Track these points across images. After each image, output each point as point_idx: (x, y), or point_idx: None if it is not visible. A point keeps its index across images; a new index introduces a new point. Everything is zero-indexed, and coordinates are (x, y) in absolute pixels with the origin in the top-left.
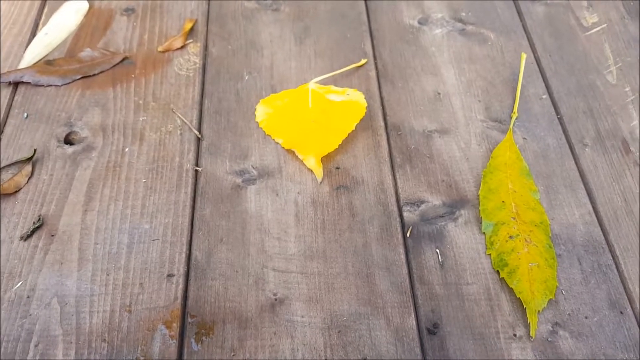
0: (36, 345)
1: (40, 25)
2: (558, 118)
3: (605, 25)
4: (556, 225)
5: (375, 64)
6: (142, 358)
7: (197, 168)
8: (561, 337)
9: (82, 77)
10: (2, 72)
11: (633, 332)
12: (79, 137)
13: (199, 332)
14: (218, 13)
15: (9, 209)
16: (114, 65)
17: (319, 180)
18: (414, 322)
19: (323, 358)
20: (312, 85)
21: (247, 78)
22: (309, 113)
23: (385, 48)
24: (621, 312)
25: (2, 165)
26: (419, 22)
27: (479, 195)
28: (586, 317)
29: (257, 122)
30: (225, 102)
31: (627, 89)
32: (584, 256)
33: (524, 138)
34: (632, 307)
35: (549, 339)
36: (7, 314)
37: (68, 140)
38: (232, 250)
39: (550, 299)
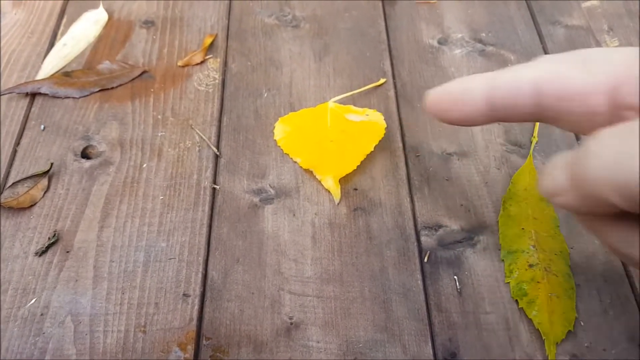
0: None
1: (58, 36)
2: (578, 143)
3: None
4: (575, 254)
5: (394, 83)
6: None
7: (215, 186)
8: None
9: (100, 90)
10: (19, 82)
11: None
12: (97, 151)
13: (214, 356)
14: (238, 29)
15: (24, 223)
16: (133, 79)
17: (337, 201)
18: (431, 351)
19: None
20: (331, 104)
21: (265, 95)
22: (327, 133)
23: (404, 68)
24: (639, 345)
25: (18, 178)
26: (439, 42)
27: (498, 221)
28: (604, 350)
29: (275, 140)
30: (243, 119)
31: None
32: (603, 287)
33: (544, 163)
34: None
35: None
36: (20, 332)
37: (85, 154)
38: (249, 271)
39: (568, 331)
